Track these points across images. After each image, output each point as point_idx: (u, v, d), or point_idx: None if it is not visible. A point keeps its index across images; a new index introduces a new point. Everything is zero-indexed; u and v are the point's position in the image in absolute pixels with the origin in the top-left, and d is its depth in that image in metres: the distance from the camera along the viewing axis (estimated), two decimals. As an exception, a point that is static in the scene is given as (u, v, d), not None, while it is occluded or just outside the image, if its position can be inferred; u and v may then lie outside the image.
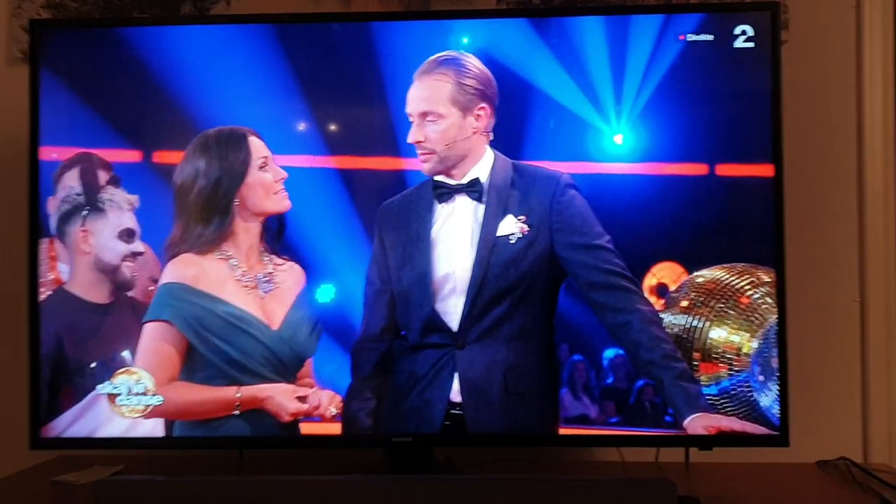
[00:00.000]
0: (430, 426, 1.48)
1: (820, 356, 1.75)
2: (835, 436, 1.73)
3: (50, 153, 1.56)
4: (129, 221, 1.55)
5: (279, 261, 1.52)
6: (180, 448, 1.60)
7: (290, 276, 1.52)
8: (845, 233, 1.77)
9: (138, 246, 1.54)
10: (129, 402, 1.49)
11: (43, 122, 1.56)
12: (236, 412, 1.47)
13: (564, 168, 1.49)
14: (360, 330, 1.51)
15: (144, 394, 1.48)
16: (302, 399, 1.48)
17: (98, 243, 1.54)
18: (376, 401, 1.50)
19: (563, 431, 1.50)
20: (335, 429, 1.51)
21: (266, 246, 1.52)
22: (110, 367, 1.52)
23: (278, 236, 1.52)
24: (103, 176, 1.55)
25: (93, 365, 1.53)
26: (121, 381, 1.49)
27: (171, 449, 1.61)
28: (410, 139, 1.47)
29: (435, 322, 1.47)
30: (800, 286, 1.63)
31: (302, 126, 1.53)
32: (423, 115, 1.46)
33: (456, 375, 1.46)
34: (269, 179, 1.49)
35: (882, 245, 1.75)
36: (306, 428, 1.51)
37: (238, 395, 1.46)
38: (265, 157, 1.49)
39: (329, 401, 1.49)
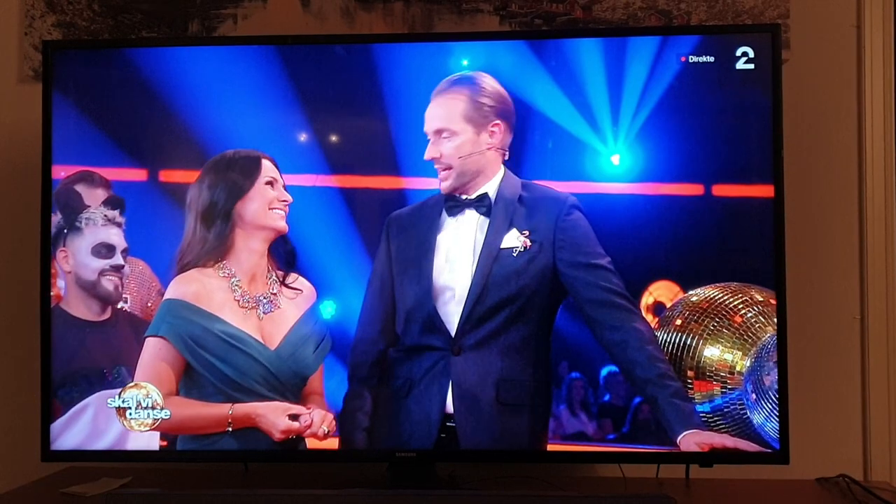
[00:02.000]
0: (428, 438, 1.49)
1: (820, 373, 1.75)
2: (835, 453, 1.73)
3: (59, 172, 1.58)
4: (106, 236, 1.57)
5: (297, 286, 1.54)
6: (187, 461, 1.62)
7: (298, 298, 1.54)
8: (845, 250, 1.77)
9: (118, 260, 1.57)
10: (138, 416, 1.52)
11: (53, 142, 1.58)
12: (229, 429, 1.49)
13: (563, 188, 1.51)
14: (357, 331, 1.53)
15: (153, 407, 1.51)
16: (294, 418, 1.49)
17: (75, 262, 1.57)
18: (373, 405, 1.52)
19: (562, 448, 1.51)
20: (337, 441, 1.52)
21: (274, 266, 1.54)
22: (99, 383, 1.55)
23: (288, 263, 1.54)
24: (96, 194, 1.57)
25: (80, 380, 1.56)
26: (130, 395, 1.51)
27: (178, 462, 1.64)
28: (427, 156, 1.50)
29: (434, 323, 1.50)
30: (799, 303, 1.64)
31: (305, 145, 1.55)
32: (438, 132, 1.50)
33: (450, 383, 1.48)
34: (270, 194, 1.52)
35: (882, 262, 1.75)
36: (311, 443, 1.52)
37: (230, 412, 1.48)
38: (273, 178, 1.52)
39: (321, 420, 1.50)
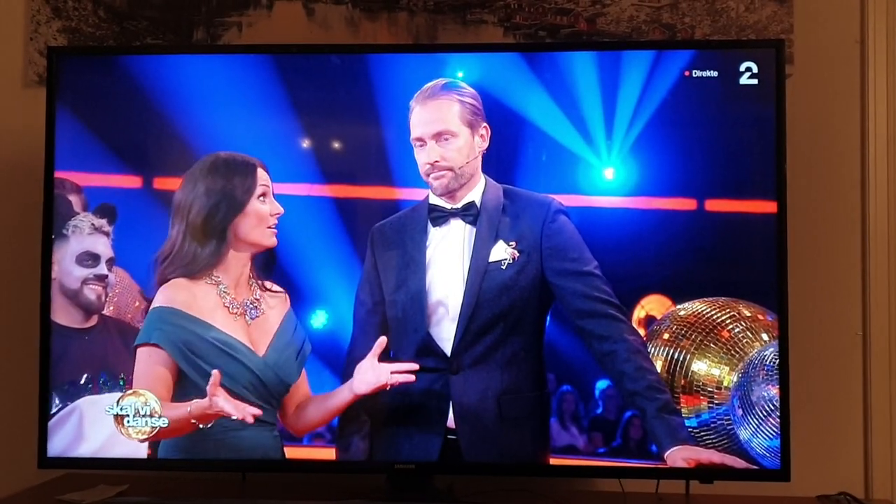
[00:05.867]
0: (428, 453, 1.49)
1: (822, 390, 1.74)
2: (836, 470, 1.72)
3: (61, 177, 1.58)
4: (91, 245, 1.56)
5: (277, 288, 1.54)
6: (185, 470, 1.62)
7: (278, 303, 1.54)
8: (848, 266, 1.77)
9: (102, 269, 1.56)
10: (136, 424, 1.51)
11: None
12: (199, 426, 1.47)
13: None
14: (349, 350, 1.52)
15: (151, 416, 1.50)
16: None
17: (60, 269, 1.57)
18: (370, 423, 1.51)
19: (556, 461, 1.51)
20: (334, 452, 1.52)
21: (254, 274, 1.53)
22: (86, 388, 1.56)
23: (267, 268, 1.53)
24: (76, 201, 1.57)
25: (67, 385, 1.56)
26: (128, 402, 1.50)
27: (176, 470, 1.63)
28: (427, 159, 1.48)
29: (429, 346, 1.49)
30: (801, 319, 1.63)
31: (300, 154, 1.55)
32: (438, 134, 1.48)
33: (450, 402, 1.47)
34: (265, 211, 1.50)
35: (885, 277, 1.75)
36: (309, 453, 1.53)
37: (188, 409, 1.46)
38: (265, 189, 1.51)
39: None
